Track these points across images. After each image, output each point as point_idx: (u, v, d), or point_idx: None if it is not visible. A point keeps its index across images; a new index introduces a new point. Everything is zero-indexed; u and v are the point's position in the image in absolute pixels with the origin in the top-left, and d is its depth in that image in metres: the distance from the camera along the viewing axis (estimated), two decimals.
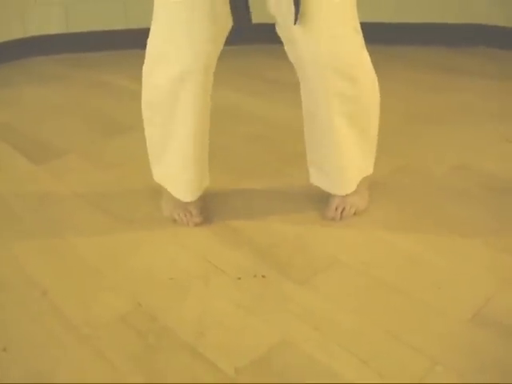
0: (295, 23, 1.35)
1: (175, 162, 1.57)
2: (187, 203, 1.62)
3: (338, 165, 1.57)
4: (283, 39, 1.46)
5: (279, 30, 1.45)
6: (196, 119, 1.49)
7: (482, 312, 1.23)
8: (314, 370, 1.11)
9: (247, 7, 1.37)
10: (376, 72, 1.50)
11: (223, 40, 1.46)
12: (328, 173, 1.60)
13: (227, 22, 1.42)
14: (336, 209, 1.61)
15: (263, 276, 1.39)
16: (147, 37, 1.48)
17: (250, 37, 3.18)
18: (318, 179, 1.66)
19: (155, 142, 1.58)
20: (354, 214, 1.62)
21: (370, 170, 1.63)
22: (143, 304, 1.32)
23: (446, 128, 2.17)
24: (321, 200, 1.66)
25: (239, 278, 1.39)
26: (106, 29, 3.58)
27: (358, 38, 1.43)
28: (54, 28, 3.57)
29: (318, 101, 1.48)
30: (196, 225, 1.61)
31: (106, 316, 1.29)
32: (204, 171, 1.64)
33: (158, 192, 1.69)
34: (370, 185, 1.67)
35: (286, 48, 1.47)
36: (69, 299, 1.35)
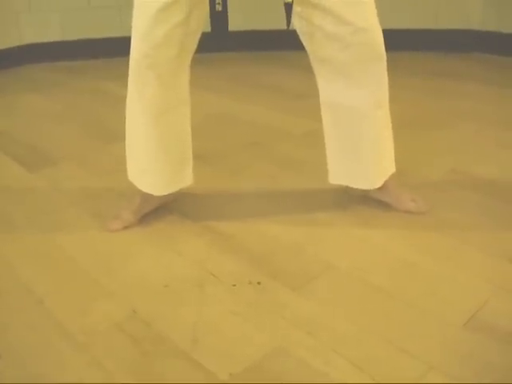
0: (287, 27, 1.37)
1: (143, 150, 1.61)
2: (151, 199, 1.65)
3: (375, 153, 1.61)
4: (327, 41, 1.46)
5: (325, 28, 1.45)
6: (157, 104, 1.52)
7: (476, 317, 1.24)
8: (308, 376, 1.12)
9: (226, 24, 1.40)
10: None
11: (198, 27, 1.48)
12: (364, 164, 1.62)
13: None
14: (412, 200, 1.64)
15: (258, 283, 1.39)
16: None
17: (244, 43, 3.19)
18: (344, 176, 1.67)
19: (128, 132, 1.60)
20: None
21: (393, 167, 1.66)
22: (138, 311, 1.32)
23: (441, 133, 2.19)
24: (316, 207, 1.67)
25: (234, 285, 1.39)
26: (102, 36, 3.59)
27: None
28: (50, 36, 3.59)
29: (362, 92, 1.51)
30: (119, 227, 1.64)
31: (101, 323, 1.29)
32: (177, 170, 1.67)
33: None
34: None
35: (322, 53, 1.48)
36: (64, 306, 1.35)
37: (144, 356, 1.19)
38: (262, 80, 2.93)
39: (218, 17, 1.38)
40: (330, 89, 1.56)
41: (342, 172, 1.66)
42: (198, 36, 1.51)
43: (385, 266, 1.44)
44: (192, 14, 1.43)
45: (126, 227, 1.65)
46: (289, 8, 1.35)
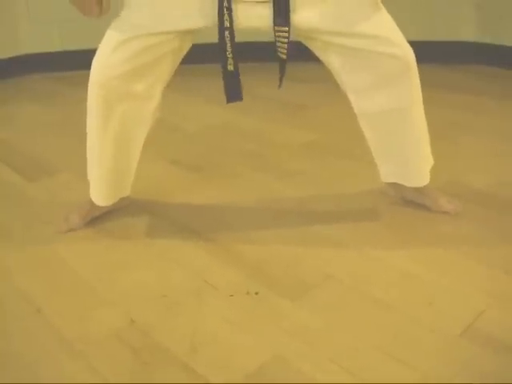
0: (279, 87, 1.41)
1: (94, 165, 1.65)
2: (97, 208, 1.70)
3: (421, 149, 1.65)
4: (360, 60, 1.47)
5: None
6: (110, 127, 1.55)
7: (472, 327, 1.24)
8: None
9: (239, 85, 1.42)
10: None
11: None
12: (412, 162, 1.65)
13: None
14: (449, 201, 1.67)
15: (256, 293, 1.40)
16: None
17: (244, 55, 3.20)
18: (395, 175, 1.68)
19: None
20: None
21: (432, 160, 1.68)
22: (136, 320, 1.32)
23: (438, 144, 2.18)
24: (313, 218, 1.67)
25: (232, 295, 1.39)
26: None
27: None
28: (49, 46, 3.59)
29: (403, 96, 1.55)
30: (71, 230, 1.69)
31: (99, 332, 1.29)
32: (121, 184, 1.71)
33: (151, 210, 1.70)
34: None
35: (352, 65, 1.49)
36: (62, 315, 1.36)
37: (142, 365, 1.19)
38: (261, 91, 2.94)
39: (231, 77, 1.33)
40: (362, 99, 1.55)
41: (392, 172, 1.68)
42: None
43: (382, 276, 1.44)
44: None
45: (72, 230, 1.69)
46: (282, 65, 1.35)
